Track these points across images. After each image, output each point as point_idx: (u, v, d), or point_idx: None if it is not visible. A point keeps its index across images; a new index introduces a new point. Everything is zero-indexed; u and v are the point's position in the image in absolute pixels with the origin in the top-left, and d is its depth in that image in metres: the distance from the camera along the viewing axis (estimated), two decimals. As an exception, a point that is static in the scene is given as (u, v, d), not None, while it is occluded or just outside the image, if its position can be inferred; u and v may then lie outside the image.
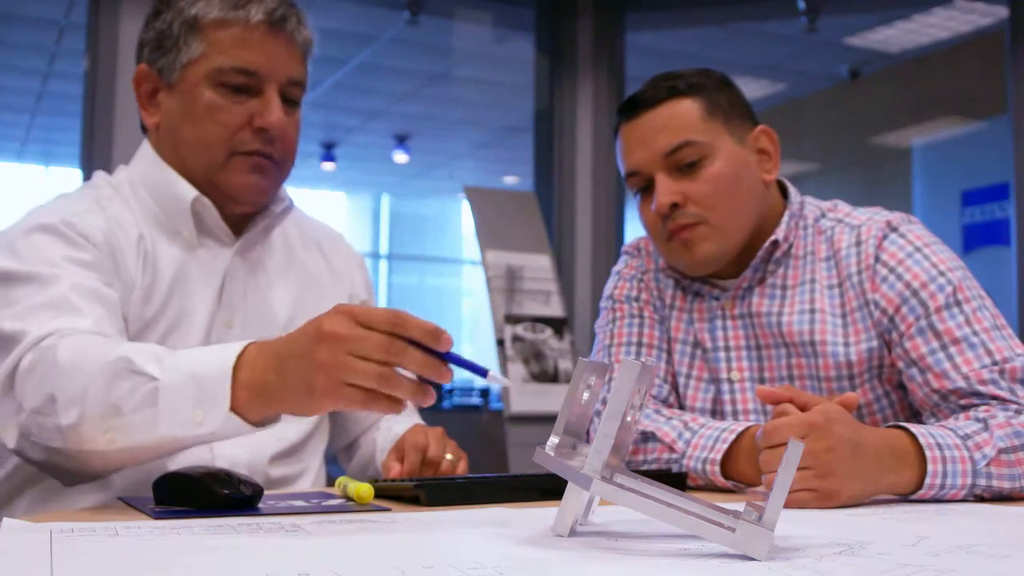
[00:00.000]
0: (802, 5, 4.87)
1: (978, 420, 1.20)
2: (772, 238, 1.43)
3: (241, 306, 1.40)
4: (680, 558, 0.73)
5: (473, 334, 11.85)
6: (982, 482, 1.14)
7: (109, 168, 1.52)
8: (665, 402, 1.46)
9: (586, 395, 0.84)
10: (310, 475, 1.46)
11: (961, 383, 1.26)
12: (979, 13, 5.64)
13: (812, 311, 1.41)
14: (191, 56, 1.36)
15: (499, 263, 4.30)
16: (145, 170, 1.41)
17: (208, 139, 1.36)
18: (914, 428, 1.15)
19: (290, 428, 1.42)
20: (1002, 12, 4.74)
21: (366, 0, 5.52)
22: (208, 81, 1.35)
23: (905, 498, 1.13)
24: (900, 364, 1.34)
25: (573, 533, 0.83)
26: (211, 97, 1.35)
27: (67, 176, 9.60)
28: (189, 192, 1.37)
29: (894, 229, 1.40)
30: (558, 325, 4.33)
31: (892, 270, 1.37)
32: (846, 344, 1.38)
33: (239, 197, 1.39)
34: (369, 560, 0.71)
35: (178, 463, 1.23)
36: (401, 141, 8.85)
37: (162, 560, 0.71)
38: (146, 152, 1.43)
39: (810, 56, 6.38)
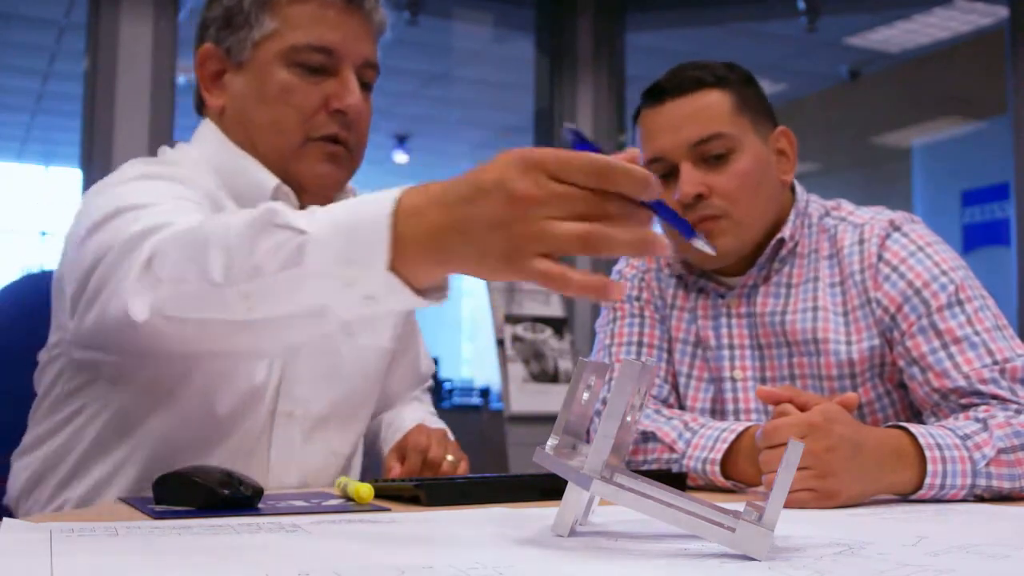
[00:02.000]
0: (802, 5, 4.87)
1: (978, 420, 1.20)
2: (778, 236, 1.43)
3: None
4: (680, 558, 0.73)
5: (473, 334, 11.83)
6: (982, 482, 1.14)
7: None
8: (665, 402, 1.46)
9: (586, 395, 0.84)
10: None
11: (961, 382, 1.27)
12: (979, 13, 5.65)
13: (815, 309, 1.41)
14: (263, 33, 1.28)
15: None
16: (214, 152, 1.32)
17: (281, 122, 1.28)
18: (914, 428, 1.15)
19: (345, 441, 1.38)
20: (1002, 12, 4.74)
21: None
22: (282, 60, 1.28)
23: (905, 498, 1.13)
24: (901, 363, 1.34)
25: (573, 533, 0.83)
26: (285, 77, 1.28)
27: (67, 176, 9.60)
28: (270, 180, 1.28)
29: (897, 228, 1.41)
30: (558, 325, 4.33)
31: (894, 268, 1.37)
32: (848, 343, 1.38)
33: (312, 188, 1.31)
34: (369, 560, 0.71)
35: (181, 463, 1.23)
36: (401, 141, 8.85)
37: (162, 560, 0.71)
38: (210, 134, 1.34)
39: (810, 56, 6.38)
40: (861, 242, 1.41)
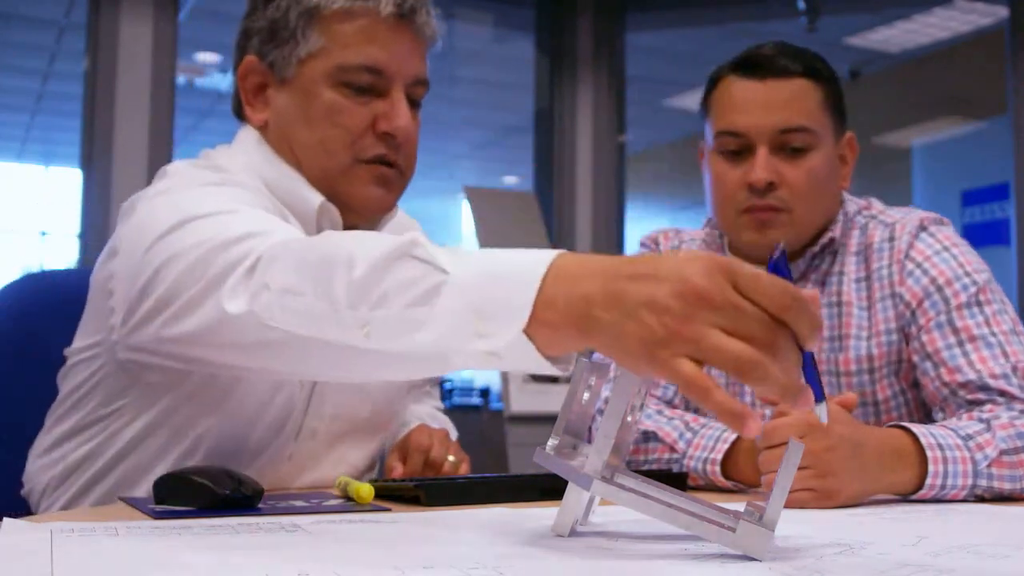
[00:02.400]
0: (802, 5, 4.87)
1: (981, 420, 1.20)
2: (829, 235, 1.43)
3: None
4: (680, 558, 0.73)
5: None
6: (983, 483, 1.14)
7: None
8: (670, 403, 1.45)
9: (586, 395, 0.84)
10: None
11: (972, 376, 1.27)
12: (979, 13, 5.64)
13: (839, 304, 1.41)
14: (309, 50, 1.23)
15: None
16: (260, 163, 1.27)
17: (328, 143, 1.24)
18: (915, 428, 1.15)
19: (362, 456, 1.36)
20: (1002, 12, 4.74)
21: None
22: (329, 79, 1.23)
23: (905, 498, 1.13)
24: (915, 358, 1.35)
25: (573, 533, 0.83)
26: (332, 97, 1.23)
27: (67, 176, 9.60)
28: (316, 197, 1.24)
29: (925, 228, 1.42)
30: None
31: (919, 265, 1.38)
32: (868, 337, 1.38)
33: (361, 210, 1.27)
34: (369, 560, 0.71)
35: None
36: (401, 141, 8.85)
37: (162, 560, 0.71)
38: (252, 144, 1.29)
39: (810, 56, 6.38)
40: (891, 239, 1.42)
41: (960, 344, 1.30)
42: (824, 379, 1.39)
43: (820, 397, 0.74)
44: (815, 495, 1.05)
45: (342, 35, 1.23)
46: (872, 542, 0.81)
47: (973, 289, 1.34)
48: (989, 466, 1.14)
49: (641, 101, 6.71)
